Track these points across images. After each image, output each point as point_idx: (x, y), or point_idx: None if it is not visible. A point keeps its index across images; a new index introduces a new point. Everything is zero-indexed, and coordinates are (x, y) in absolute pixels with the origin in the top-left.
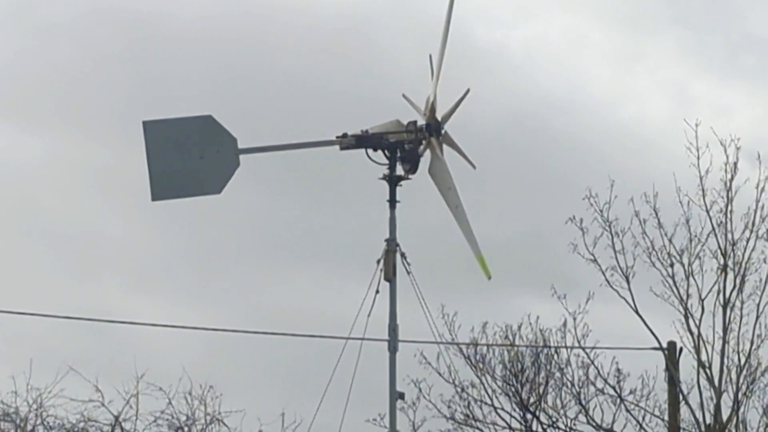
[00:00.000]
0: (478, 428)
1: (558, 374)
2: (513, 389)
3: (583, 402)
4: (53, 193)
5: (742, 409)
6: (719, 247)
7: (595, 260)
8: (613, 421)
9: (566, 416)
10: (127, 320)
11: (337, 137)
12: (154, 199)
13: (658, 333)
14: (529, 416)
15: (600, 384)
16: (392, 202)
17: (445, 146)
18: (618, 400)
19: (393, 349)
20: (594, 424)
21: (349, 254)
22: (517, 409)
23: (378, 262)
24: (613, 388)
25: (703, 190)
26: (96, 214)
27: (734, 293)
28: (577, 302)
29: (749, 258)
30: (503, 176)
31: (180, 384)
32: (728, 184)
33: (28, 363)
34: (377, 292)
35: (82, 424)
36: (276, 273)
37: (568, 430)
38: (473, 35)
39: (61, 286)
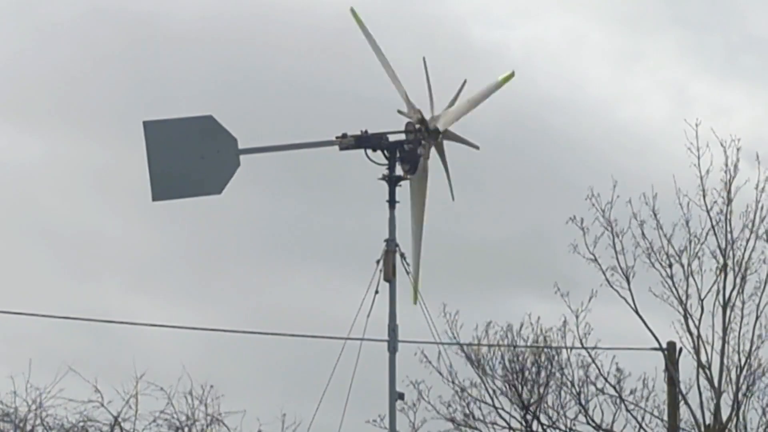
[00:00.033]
0: (477, 429)
1: (558, 374)
2: (513, 389)
3: (583, 402)
4: (53, 193)
5: (741, 410)
6: (719, 247)
7: (595, 260)
8: (613, 422)
9: (566, 416)
10: (126, 320)
11: (337, 137)
12: (154, 199)
13: (658, 333)
14: (529, 416)
15: (600, 384)
16: (392, 202)
17: (434, 155)
18: (618, 400)
19: (392, 349)
20: (594, 424)
21: (348, 254)
22: (518, 409)
23: (377, 262)
24: (614, 387)
25: (703, 191)
26: (96, 214)
27: (734, 293)
28: (577, 302)
29: (749, 257)
30: (503, 176)
31: (180, 384)
32: (728, 184)
33: (27, 363)
34: (377, 292)
35: (81, 424)
36: (276, 273)
37: (567, 430)
38: (472, 35)
39: (60, 286)
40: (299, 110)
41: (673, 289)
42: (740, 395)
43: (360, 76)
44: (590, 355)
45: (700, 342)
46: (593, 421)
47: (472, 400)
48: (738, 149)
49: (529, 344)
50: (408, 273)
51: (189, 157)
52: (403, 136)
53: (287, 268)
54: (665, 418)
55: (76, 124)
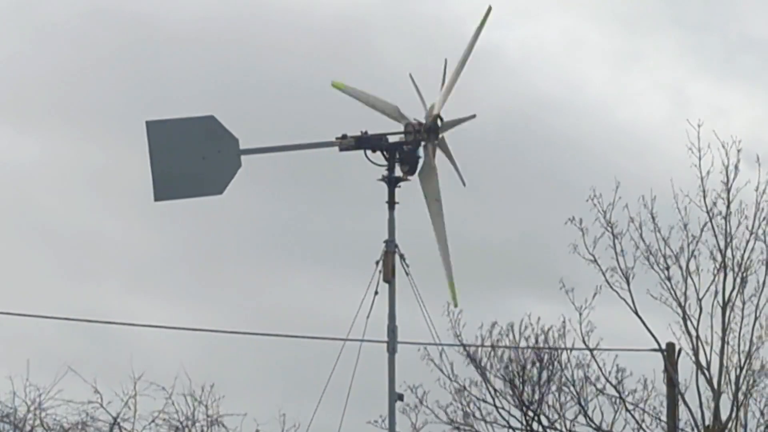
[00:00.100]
0: (477, 429)
1: (558, 374)
2: (514, 389)
3: (583, 403)
4: (52, 194)
5: (741, 410)
6: (717, 246)
7: (595, 260)
8: (613, 422)
9: (565, 417)
10: (125, 321)
11: (337, 138)
12: (157, 199)
13: (657, 334)
14: (529, 416)
15: (600, 384)
16: (391, 203)
17: (439, 153)
18: (618, 401)
19: (392, 350)
20: (593, 425)
21: (348, 255)
22: (518, 409)
23: (377, 263)
24: (614, 387)
25: (704, 191)
26: (95, 214)
27: (734, 293)
28: (577, 303)
29: (749, 258)
30: (502, 177)
31: (179, 385)
32: (728, 185)
33: (26, 363)
34: (376, 293)
35: (80, 425)
36: (276, 274)
37: (567, 431)
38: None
39: (59, 287)
40: (299, 111)
41: (672, 291)
42: (740, 395)
43: (360, 76)
44: (592, 355)
45: (699, 343)
46: (593, 422)
47: (472, 399)
48: (738, 150)
49: (529, 345)
50: (408, 274)
51: (191, 158)
52: (402, 138)
53: (287, 268)
54: (664, 418)
55: (76, 125)
